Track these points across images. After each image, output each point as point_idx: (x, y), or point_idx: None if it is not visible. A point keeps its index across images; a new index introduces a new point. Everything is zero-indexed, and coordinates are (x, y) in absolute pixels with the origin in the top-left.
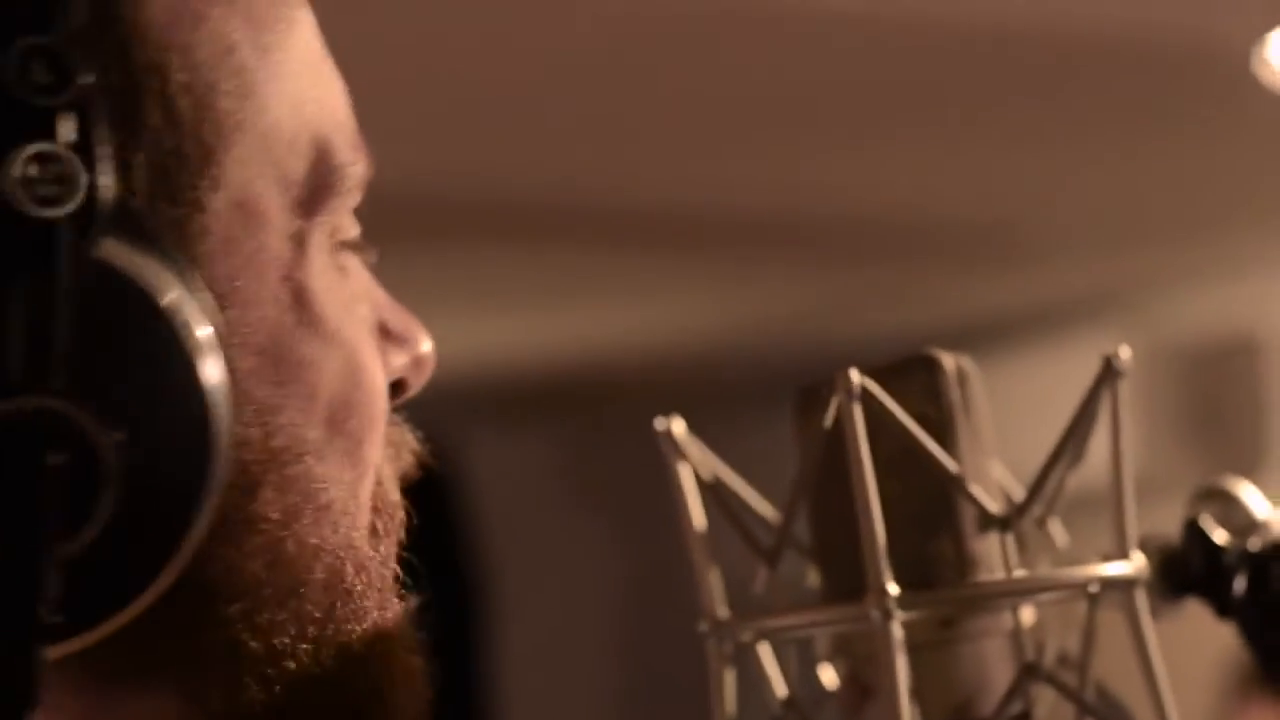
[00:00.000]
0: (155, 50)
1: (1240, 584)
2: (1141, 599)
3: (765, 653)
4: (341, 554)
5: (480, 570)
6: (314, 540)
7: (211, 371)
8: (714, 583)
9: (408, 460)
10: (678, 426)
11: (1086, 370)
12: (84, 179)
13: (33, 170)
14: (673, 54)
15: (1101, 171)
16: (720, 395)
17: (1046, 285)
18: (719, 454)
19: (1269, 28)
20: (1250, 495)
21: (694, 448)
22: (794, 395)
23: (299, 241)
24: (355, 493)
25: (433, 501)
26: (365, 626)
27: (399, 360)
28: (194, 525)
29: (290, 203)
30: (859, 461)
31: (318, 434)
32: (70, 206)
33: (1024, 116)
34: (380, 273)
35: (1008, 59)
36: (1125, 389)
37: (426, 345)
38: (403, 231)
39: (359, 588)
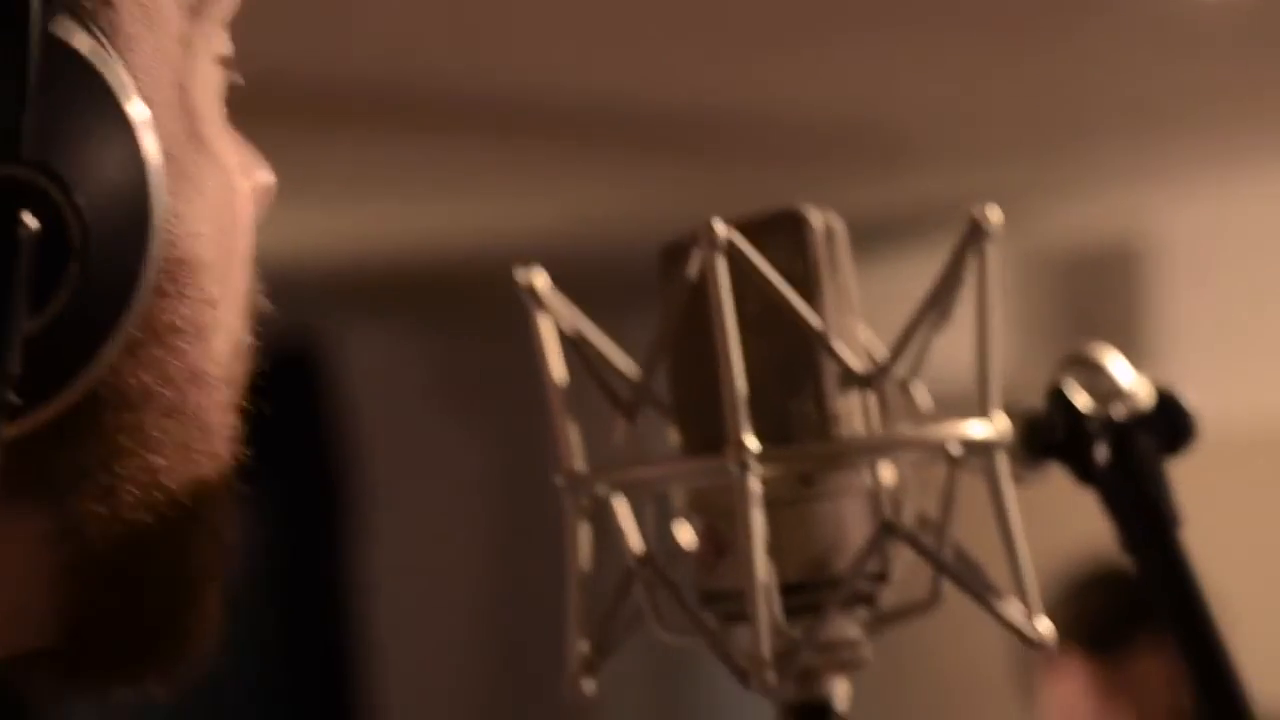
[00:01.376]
0: None
1: (1102, 451)
2: (1002, 461)
3: (621, 507)
4: (216, 383)
5: (350, 458)
6: (201, 363)
7: (153, 153)
8: (571, 436)
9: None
10: (539, 279)
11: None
12: None
13: None
14: None
15: (984, 78)
16: (599, 292)
17: (926, 190)
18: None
19: None
20: (1116, 363)
21: (557, 301)
22: (659, 250)
23: (187, 46)
24: (227, 313)
25: (304, 389)
26: (211, 469)
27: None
28: (132, 307)
29: (181, 1)
30: (721, 313)
31: (208, 252)
32: None
33: (910, 21)
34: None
35: None
36: (994, 253)
37: (268, 175)
38: (283, 116)
39: (218, 425)
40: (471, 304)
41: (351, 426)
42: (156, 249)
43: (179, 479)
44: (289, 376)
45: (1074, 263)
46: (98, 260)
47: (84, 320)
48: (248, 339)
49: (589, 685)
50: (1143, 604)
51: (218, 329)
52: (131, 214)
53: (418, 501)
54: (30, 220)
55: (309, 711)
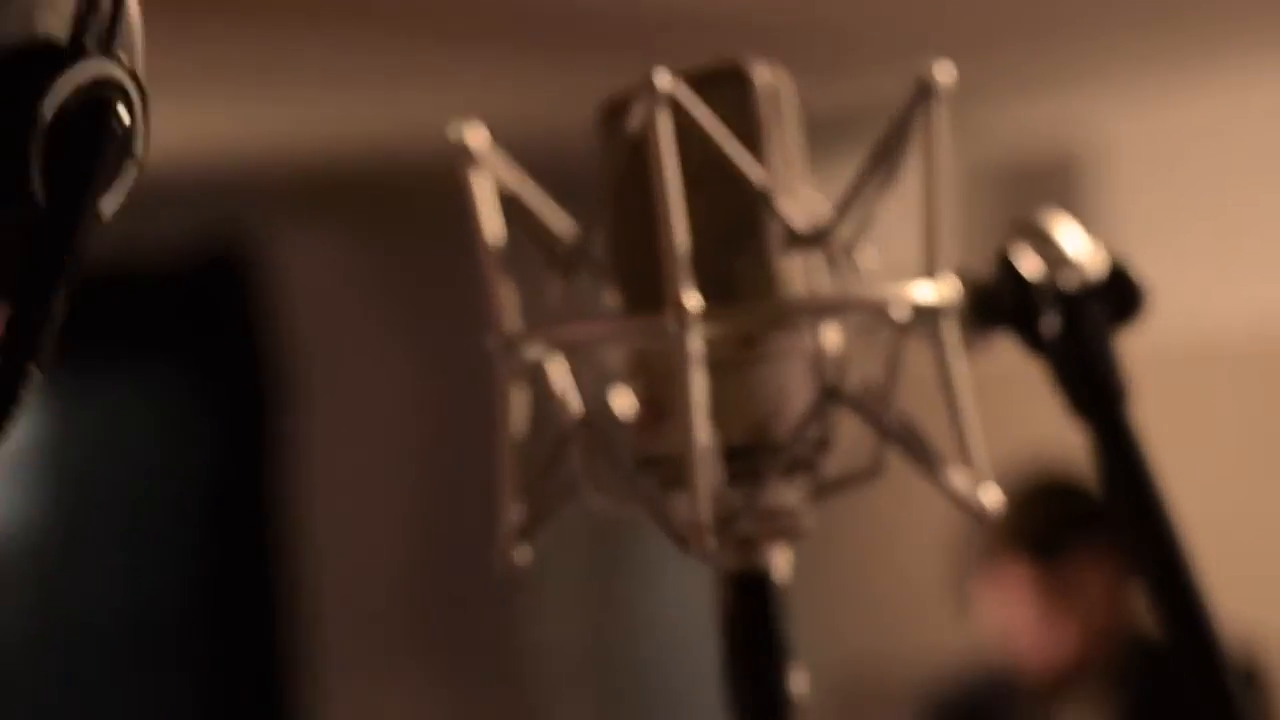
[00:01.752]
0: None
1: (1050, 320)
2: (949, 325)
3: (557, 369)
4: None
5: (282, 362)
6: None
7: None
8: (506, 296)
9: None
10: (475, 136)
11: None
12: None
13: None
14: None
15: None
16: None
17: (865, 91)
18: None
19: None
20: (1066, 232)
21: (494, 159)
22: (598, 106)
23: None
24: None
25: (234, 290)
26: None
27: None
28: None
29: None
30: (663, 167)
31: None
32: None
33: None
34: (192, 53)
35: None
36: (942, 113)
37: None
38: (218, 9)
39: None
40: (409, 205)
41: (284, 329)
42: None
43: None
44: (219, 279)
45: (1016, 171)
46: None
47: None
48: None
49: (523, 553)
50: (1086, 512)
51: None
52: None
53: (352, 405)
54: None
55: (241, 613)
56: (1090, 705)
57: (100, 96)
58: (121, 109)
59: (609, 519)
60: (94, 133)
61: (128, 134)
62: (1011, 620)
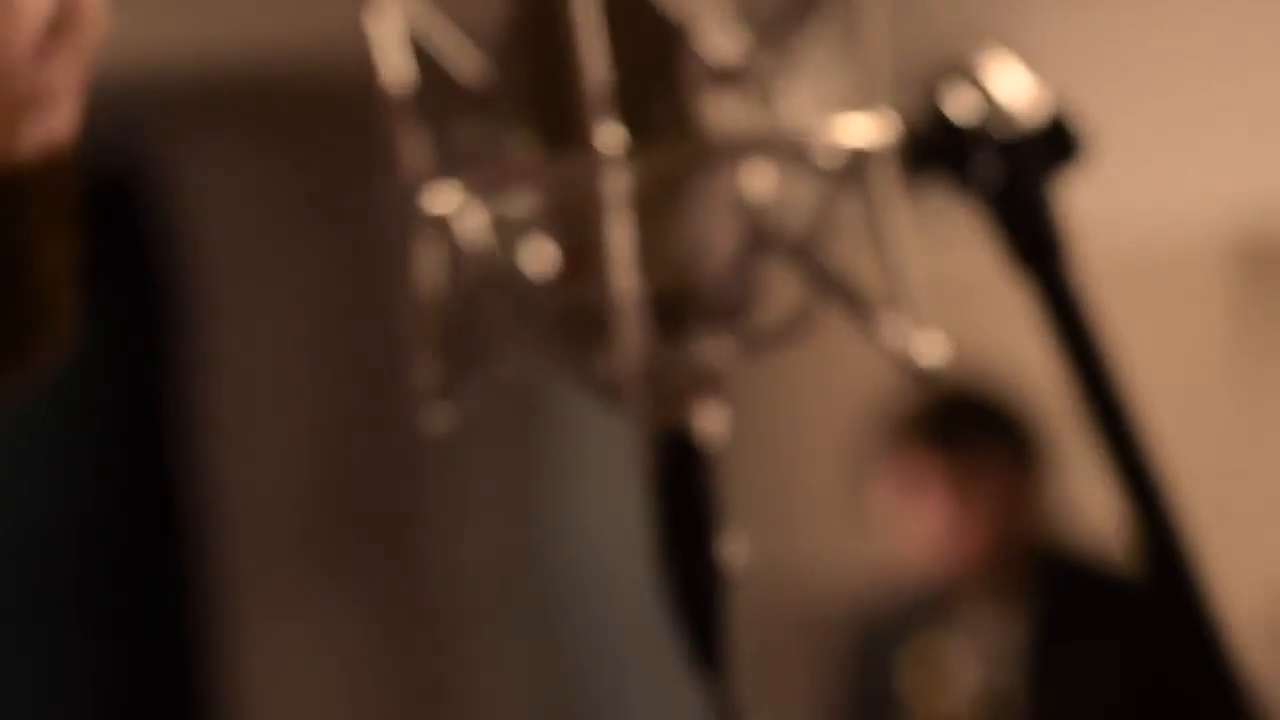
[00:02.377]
0: None
1: (985, 165)
2: (883, 166)
3: (472, 218)
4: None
5: (184, 282)
6: None
7: None
8: (413, 140)
9: None
10: None
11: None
12: None
13: None
14: None
15: None
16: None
17: None
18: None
19: None
20: (1000, 73)
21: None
22: None
23: None
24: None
25: (132, 207)
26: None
27: None
28: None
29: None
30: None
31: None
32: None
33: None
34: None
35: None
36: None
37: None
38: None
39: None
40: (310, 115)
41: (186, 247)
42: None
43: None
44: (117, 195)
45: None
46: None
47: None
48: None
49: (444, 414)
50: (996, 412)
51: None
52: None
53: (255, 326)
54: None
55: (143, 543)
56: (997, 612)
57: None
58: None
59: (523, 391)
60: None
61: None
62: (915, 517)
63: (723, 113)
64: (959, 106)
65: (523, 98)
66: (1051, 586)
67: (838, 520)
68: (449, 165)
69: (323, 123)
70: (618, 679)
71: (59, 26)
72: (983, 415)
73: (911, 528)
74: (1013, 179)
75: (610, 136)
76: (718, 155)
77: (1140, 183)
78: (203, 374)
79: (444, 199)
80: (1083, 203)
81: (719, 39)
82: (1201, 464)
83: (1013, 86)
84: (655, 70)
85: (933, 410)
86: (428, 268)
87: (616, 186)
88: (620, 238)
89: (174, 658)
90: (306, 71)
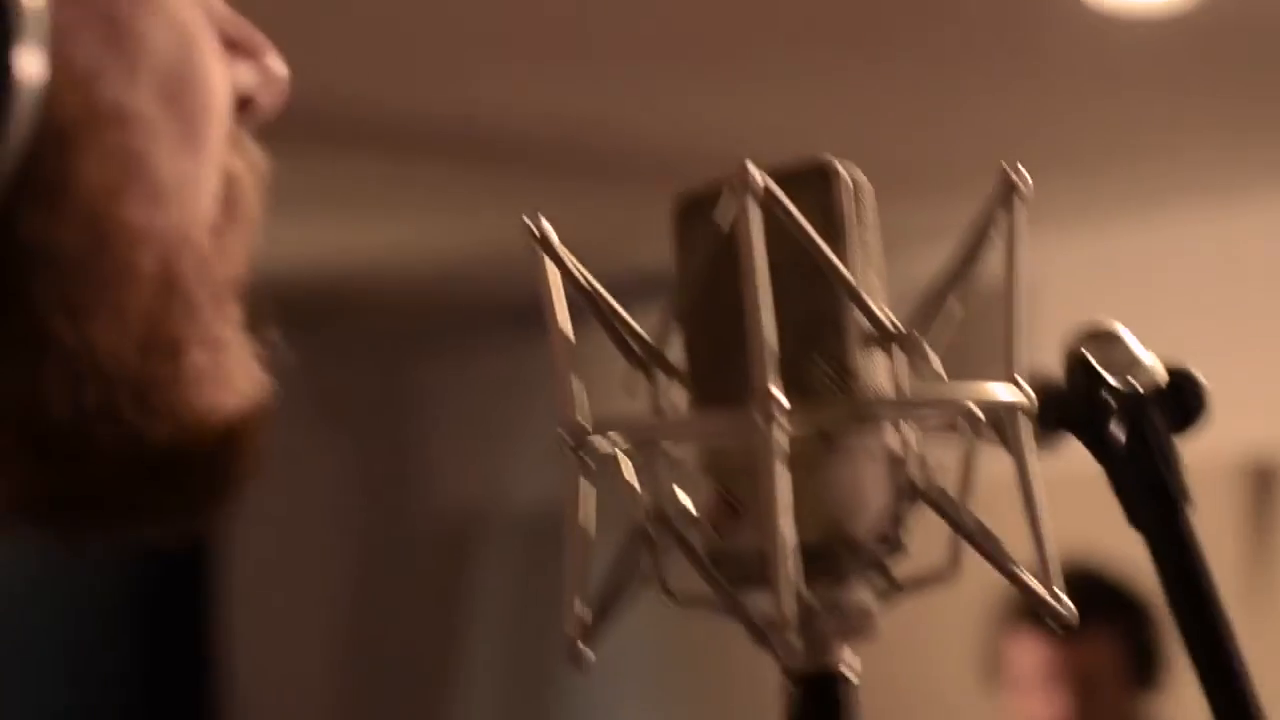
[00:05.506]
0: None
1: (1117, 426)
2: (1026, 425)
3: (628, 466)
4: (174, 243)
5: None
6: (140, 220)
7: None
8: (578, 390)
9: (260, 173)
10: (549, 226)
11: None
12: None
13: None
14: None
15: (908, 114)
16: (464, 320)
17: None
18: (461, 372)
19: None
20: (1129, 336)
21: (565, 253)
22: (675, 201)
23: None
24: (193, 179)
25: None
26: (213, 392)
27: (245, 73)
28: None
29: None
30: (752, 258)
31: (146, 106)
32: None
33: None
34: None
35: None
36: (1023, 211)
37: (277, 61)
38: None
39: (197, 291)
40: (335, 325)
41: None
42: (22, 106)
43: (139, 346)
44: None
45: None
46: None
47: None
48: (253, 198)
49: (589, 654)
50: (1107, 599)
51: (183, 188)
52: None
53: (284, 532)
54: None
55: None
56: None
57: None
58: None
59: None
60: None
61: None
62: (1027, 690)
63: (880, 373)
64: (1091, 368)
65: (689, 351)
66: None
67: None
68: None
69: (346, 336)
70: None
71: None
72: (1090, 598)
73: (1022, 706)
74: (1143, 438)
75: (776, 392)
76: (879, 414)
77: None
78: (229, 560)
79: (605, 441)
80: None
81: (880, 302)
82: None
83: (1139, 350)
84: (818, 330)
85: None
86: (586, 508)
87: (781, 440)
88: (783, 487)
89: None
90: (333, 282)
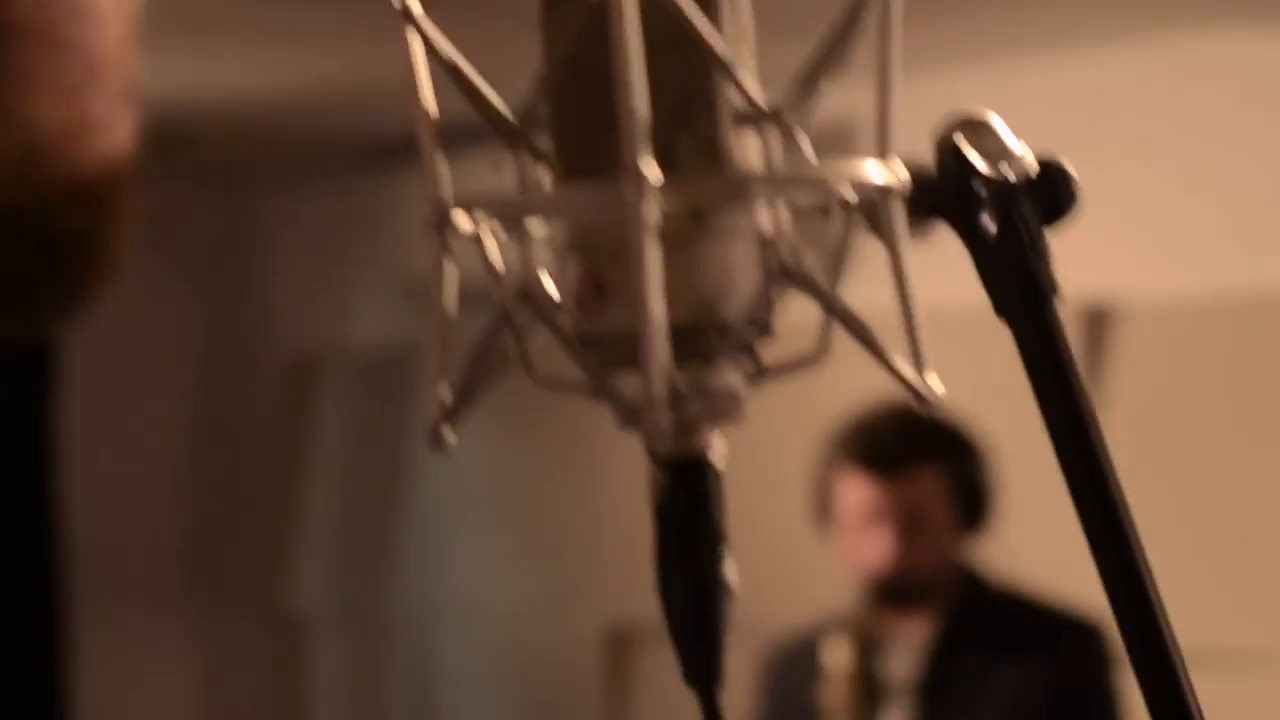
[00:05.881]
0: None
1: (988, 214)
2: (899, 208)
3: (491, 243)
4: (102, 17)
5: None
6: None
7: None
8: (441, 167)
9: None
10: (414, 3)
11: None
12: None
13: None
14: None
15: None
16: (308, 157)
17: None
18: (304, 209)
19: None
20: (1002, 125)
21: (431, 28)
22: None
23: None
24: None
25: None
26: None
27: None
28: None
29: None
30: (623, 28)
31: None
32: None
33: None
34: None
35: None
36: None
37: None
38: None
39: (109, 68)
40: (176, 159)
41: None
42: None
43: (63, 121)
44: None
45: None
46: None
47: None
48: None
49: (450, 437)
50: (928, 433)
51: None
52: None
53: (116, 357)
54: None
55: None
56: (917, 628)
57: None
58: None
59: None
60: None
61: None
62: (852, 531)
63: (750, 150)
64: (963, 156)
65: (557, 128)
66: (965, 608)
67: (805, 541)
68: (475, 193)
69: (190, 171)
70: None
71: None
72: (912, 435)
73: (849, 542)
74: (1013, 227)
75: (649, 167)
76: (751, 191)
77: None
78: (69, 398)
79: (470, 218)
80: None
81: (753, 80)
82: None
83: (1010, 140)
84: (689, 105)
85: (864, 431)
86: (449, 288)
87: (651, 215)
88: (653, 264)
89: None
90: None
